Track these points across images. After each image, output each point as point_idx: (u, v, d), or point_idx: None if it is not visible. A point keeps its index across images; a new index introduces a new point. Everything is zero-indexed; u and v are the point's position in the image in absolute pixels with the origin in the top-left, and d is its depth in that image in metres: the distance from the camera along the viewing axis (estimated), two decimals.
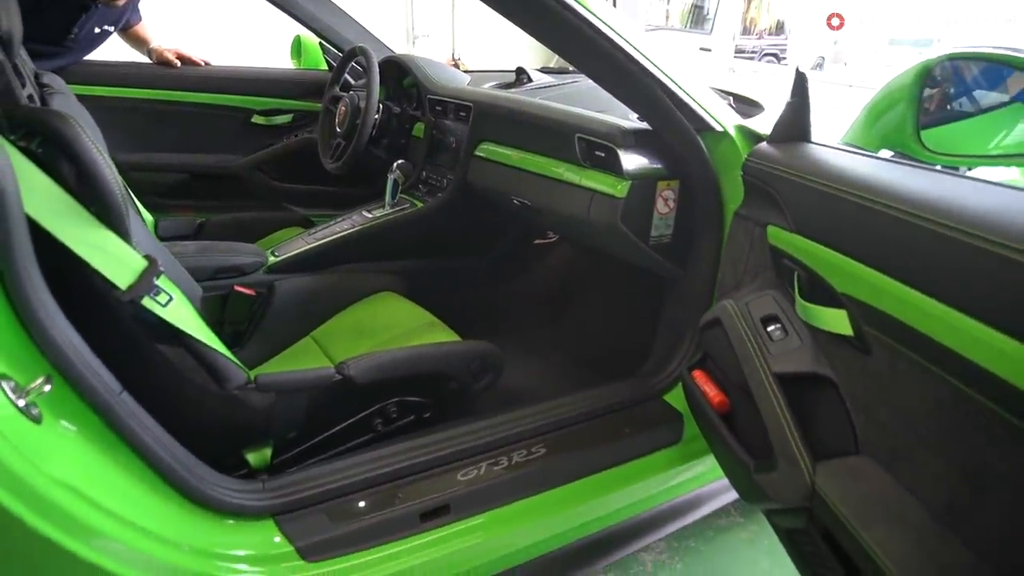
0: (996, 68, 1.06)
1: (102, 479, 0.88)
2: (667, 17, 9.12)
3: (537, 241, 2.33)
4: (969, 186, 0.87)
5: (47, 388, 0.79)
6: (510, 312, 2.16)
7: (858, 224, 0.93)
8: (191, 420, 1.09)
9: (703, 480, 1.47)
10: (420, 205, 1.94)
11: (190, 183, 2.47)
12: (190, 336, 1.03)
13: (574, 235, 1.93)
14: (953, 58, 1.08)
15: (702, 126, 1.28)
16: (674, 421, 1.40)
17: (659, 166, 1.38)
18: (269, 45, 3.32)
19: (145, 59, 2.39)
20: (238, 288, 1.55)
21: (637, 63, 1.16)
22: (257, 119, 2.48)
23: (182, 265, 1.32)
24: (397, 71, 2.12)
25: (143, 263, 0.96)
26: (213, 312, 1.49)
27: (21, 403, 0.76)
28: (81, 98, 1.40)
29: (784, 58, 8.56)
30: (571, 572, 1.35)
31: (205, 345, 1.06)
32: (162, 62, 2.36)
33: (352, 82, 2.17)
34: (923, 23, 7.00)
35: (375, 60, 1.93)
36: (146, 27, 2.38)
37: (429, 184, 1.98)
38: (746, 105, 1.61)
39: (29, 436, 0.77)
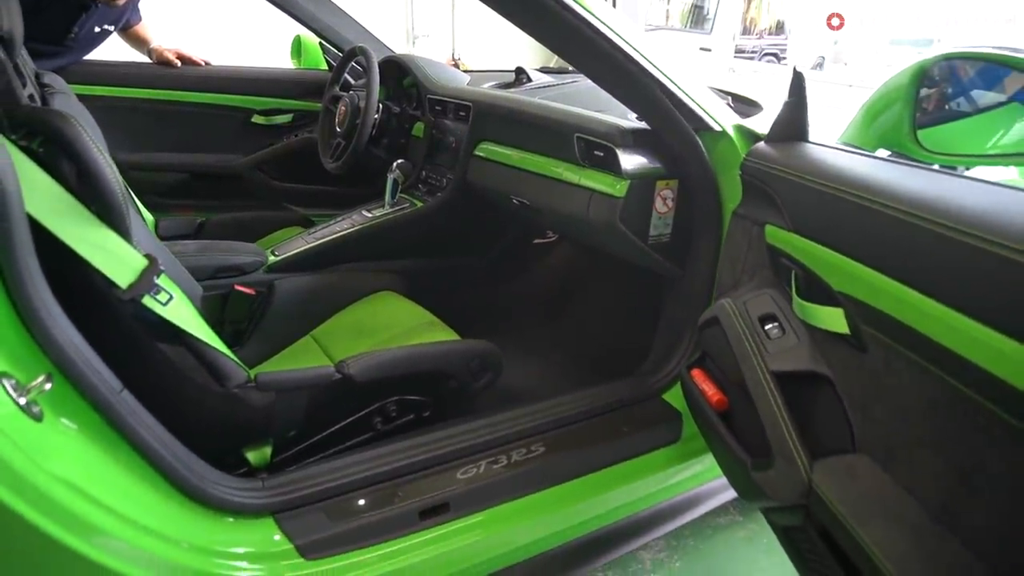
0: (993, 68, 1.06)
1: (103, 477, 0.88)
2: (667, 17, 9.11)
3: (536, 241, 2.33)
4: (967, 185, 0.87)
5: (48, 386, 0.80)
6: (510, 311, 2.16)
7: (855, 223, 0.93)
8: (191, 418, 1.09)
9: (702, 479, 1.48)
10: (420, 205, 1.94)
11: (190, 183, 2.47)
12: (190, 335, 1.03)
13: (573, 235, 1.93)
14: (949, 58, 1.08)
15: (701, 126, 1.29)
16: (673, 420, 1.40)
17: (658, 166, 1.38)
18: (269, 45, 3.33)
19: (145, 59, 2.39)
20: (238, 287, 1.55)
21: (636, 63, 1.16)
22: (257, 119, 2.48)
23: (182, 264, 1.33)
24: (397, 71, 2.12)
25: (143, 262, 0.96)
26: (213, 311, 1.50)
27: (22, 401, 0.77)
28: (82, 98, 1.40)
29: (784, 58, 8.55)
30: (570, 570, 1.36)
31: (205, 344, 1.07)
32: (162, 62, 2.36)
33: (352, 82, 2.17)
34: (923, 23, 6.99)
35: (375, 60, 1.94)
36: (146, 27, 2.38)
37: (429, 184, 1.99)
38: (745, 105, 1.61)
39: (30, 434, 0.78)
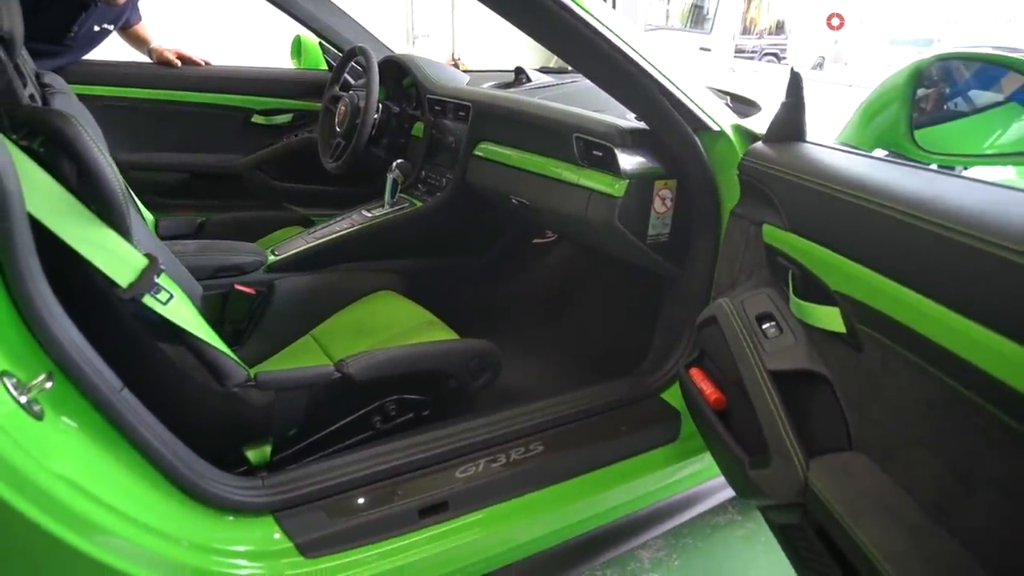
0: (990, 68, 1.07)
1: (103, 475, 0.88)
2: (667, 17, 9.11)
3: (536, 240, 2.34)
4: (964, 185, 0.87)
5: (48, 385, 0.80)
6: (509, 311, 2.17)
7: (852, 223, 0.93)
8: (191, 417, 1.09)
9: (700, 477, 1.48)
10: (419, 204, 1.95)
11: (190, 182, 2.48)
12: (190, 334, 1.04)
13: (572, 234, 1.94)
14: (945, 59, 1.09)
15: (699, 126, 1.29)
16: (671, 419, 1.41)
17: (656, 165, 1.39)
18: (269, 45, 3.33)
19: (145, 59, 2.40)
20: (238, 287, 1.56)
21: (635, 63, 1.17)
22: (257, 119, 2.48)
23: (182, 264, 1.33)
24: (397, 71, 2.13)
25: (144, 261, 0.97)
26: (213, 311, 1.50)
27: (23, 400, 0.77)
28: (82, 98, 1.41)
29: (784, 58, 8.55)
30: (569, 568, 1.36)
31: (205, 343, 1.07)
32: (162, 62, 2.36)
33: (352, 82, 2.18)
34: (923, 23, 6.99)
35: (375, 60, 1.94)
36: (146, 27, 2.39)
37: (428, 183, 1.99)
38: (743, 105, 1.61)
39: (31, 432, 0.78)
